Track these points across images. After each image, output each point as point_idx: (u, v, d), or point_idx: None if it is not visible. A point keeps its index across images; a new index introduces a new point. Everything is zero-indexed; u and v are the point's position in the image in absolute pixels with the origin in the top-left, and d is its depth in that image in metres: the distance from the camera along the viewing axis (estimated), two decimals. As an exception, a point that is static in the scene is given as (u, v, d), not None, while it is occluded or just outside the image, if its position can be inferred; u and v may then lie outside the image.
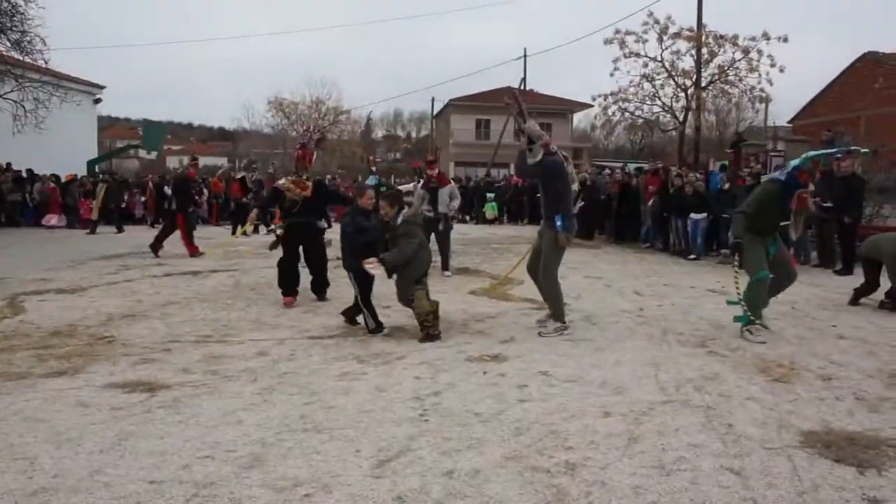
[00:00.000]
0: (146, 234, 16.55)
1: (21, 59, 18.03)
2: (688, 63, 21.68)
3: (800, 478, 3.02)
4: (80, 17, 76.72)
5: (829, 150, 5.97)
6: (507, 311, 6.94)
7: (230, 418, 3.74)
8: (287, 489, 2.89)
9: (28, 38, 17.59)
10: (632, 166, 21.36)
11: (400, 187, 24.17)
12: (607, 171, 19.74)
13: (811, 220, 9.07)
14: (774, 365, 4.86)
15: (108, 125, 53.60)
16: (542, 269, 5.99)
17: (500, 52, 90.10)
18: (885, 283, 7.19)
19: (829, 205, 9.59)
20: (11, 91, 18.14)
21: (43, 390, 4.18)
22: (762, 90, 21.25)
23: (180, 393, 4.16)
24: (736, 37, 20.95)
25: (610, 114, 23.83)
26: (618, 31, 21.95)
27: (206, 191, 20.41)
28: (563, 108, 44.09)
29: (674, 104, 22.67)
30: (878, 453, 3.29)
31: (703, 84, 21.43)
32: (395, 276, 5.84)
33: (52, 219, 18.72)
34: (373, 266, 5.63)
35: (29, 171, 19.84)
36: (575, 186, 16.77)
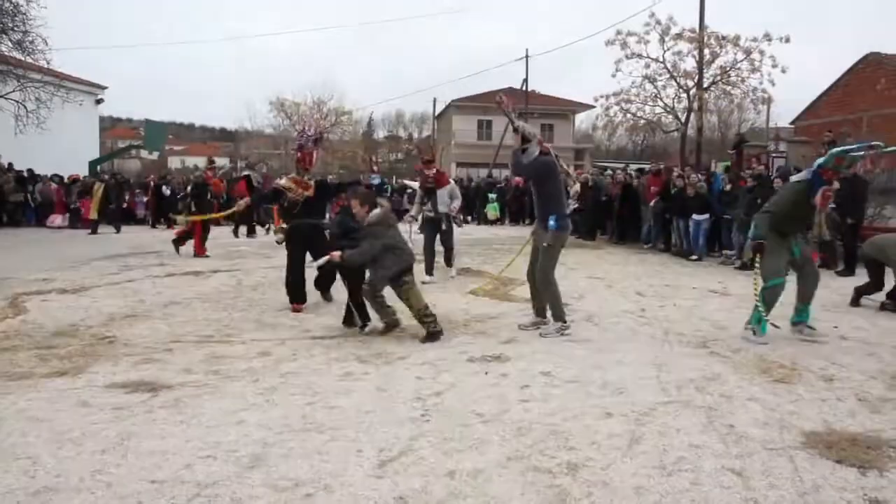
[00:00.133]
0: (147, 235, 16.64)
1: (23, 59, 18.08)
2: (690, 64, 21.72)
3: (801, 478, 3.02)
4: (82, 17, 76.94)
5: (852, 147, 5.81)
6: (509, 311, 6.94)
7: (232, 418, 3.74)
8: (289, 489, 2.89)
9: (30, 39, 17.68)
10: (633, 167, 21.38)
11: (406, 182, 24.17)
12: (609, 171, 19.76)
13: (834, 222, 8.84)
14: (776, 366, 4.86)
15: (109, 125, 53.69)
16: (539, 271, 5.96)
17: (502, 53, 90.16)
18: (887, 283, 7.20)
19: (832, 206, 9.57)
20: (13, 91, 18.19)
21: (45, 390, 4.19)
22: (764, 91, 21.29)
23: (182, 393, 4.17)
24: (738, 37, 20.97)
25: (612, 115, 23.86)
26: (619, 32, 22.00)
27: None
28: (565, 109, 44.14)
29: (676, 105, 22.69)
30: (880, 454, 3.29)
31: (704, 85, 21.42)
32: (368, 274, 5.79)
33: (57, 219, 18.75)
34: (332, 258, 5.61)
35: (30, 171, 19.87)
36: (577, 187, 16.84)
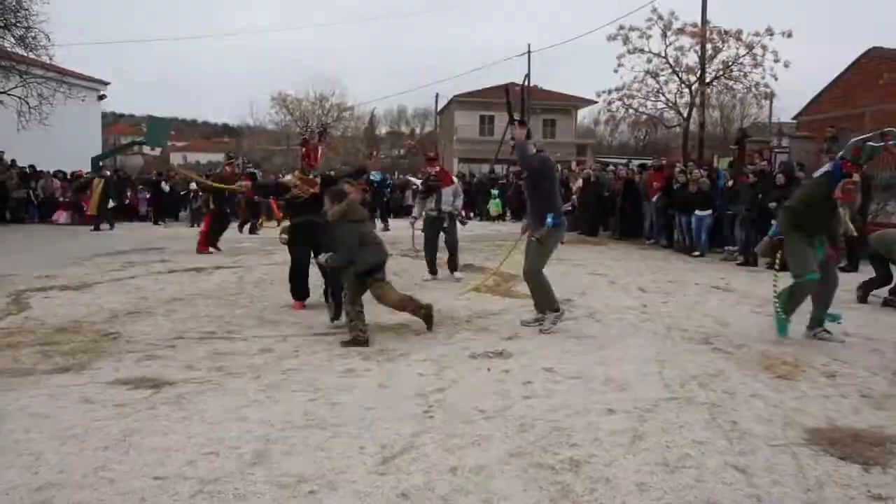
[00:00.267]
0: (149, 232, 16.65)
1: (25, 54, 18.05)
2: (692, 59, 21.59)
3: (805, 475, 3.02)
4: (85, 13, 76.87)
5: (868, 136, 5.55)
6: (511, 307, 6.93)
7: (234, 415, 3.74)
8: (291, 486, 2.89)
9: (32, 34, 17.64)
10: (636, 163, 21.32)
11: (409, 178, 24.08)
12: (611, 167, 19.70)
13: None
14: (779, 362, 4.85)
15: (112, 121, 53.65)
16: (529, 263, 5.91)
17: (505, 49, 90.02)
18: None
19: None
20: (16, 87, 18.17)
21: (48, 387, 4.19)
22: (766, 86, 21.17)
23: (184, 389, 4.17)
24: (740, 32, 20.85)
25: (614, 110, 23.76)
26: (622, 27, 21.89)
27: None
28: (567, 105, 43.99)
29: (678, 100, 22.58)
30: (883, 450, 3.28)
31: (707, 80, 21.34)
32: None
33: (62, 215, 18.77)
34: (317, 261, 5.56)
35: (31, 167, 19.88)
36: (579, 183, 16.82)
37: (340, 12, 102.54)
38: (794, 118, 25.01)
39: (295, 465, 3.09)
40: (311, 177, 6.90)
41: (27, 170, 19.71)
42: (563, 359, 4.95)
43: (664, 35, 21.53)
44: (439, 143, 41.32)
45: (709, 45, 21.06)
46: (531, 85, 36.13)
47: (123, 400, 3.96)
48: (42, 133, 18.41)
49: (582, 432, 3.52)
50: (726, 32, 20.96)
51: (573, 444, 3.37)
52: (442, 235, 8.77)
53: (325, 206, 5.68)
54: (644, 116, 24.15)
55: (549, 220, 5.74)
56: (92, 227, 16.35)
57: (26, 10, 17.54)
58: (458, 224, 8.98)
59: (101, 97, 28.86)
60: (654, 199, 13.67)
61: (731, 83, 21.86)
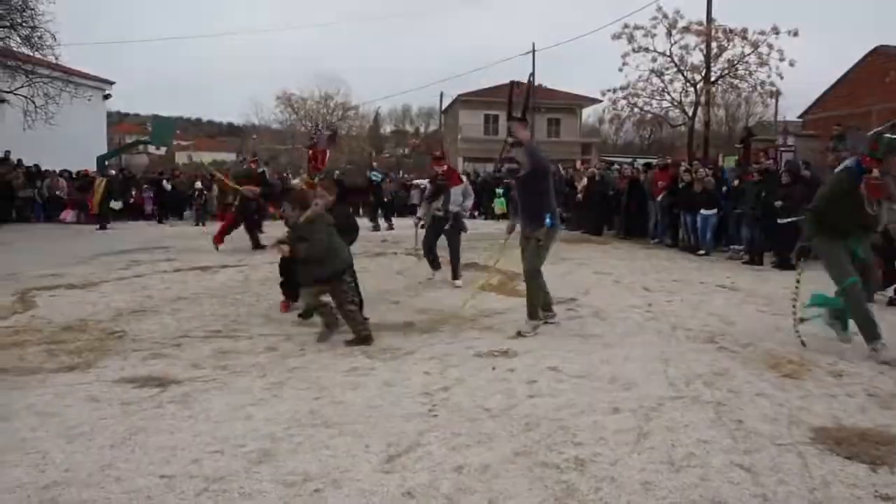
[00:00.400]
0: (154, 230, 16.69)
1: (31, 54, 18.13)
2: (697, 58, 21.54)
3: (811, 474, 3.01)
4: (90, 12, 77.01)
5: (881, 129, 5.37)
6: (516, 306, 6.91)
7: (240, 413, 3.75)
8: (297, 484, 2.90)
9: (38, 34, 17.70)
10: (641, 162, 21.27)
11: (416, 181, 24.04)
12: (616, 166, 19.67)
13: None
14: (785, 361, 4.84)
15: (117, 121, 53.82)
16: (528, 263, 5.89)
17: (509, 48, 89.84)
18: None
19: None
20: (22, 87, 18.25)
21: (54, 385, 4.21)
22: (772, 84, 21.10)
23: (190, 388, 4.18)
24: (745, 31, 20.80)
25: (619, 109, 23.73)
26: (626, 26, 21.85)
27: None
28: (572, 104, 43.89)
29: (683, 99, 22.52)
30: (890, 450, 3.27)
31: (712, 79, 21.29)
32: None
33: (69, 214, 18.85)
34: (283, 252, 5.48)
35: (37, 166, 19.95)
36: (584, 182, 16.79)
37: (345, 11, 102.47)
38: (800, 117, 24.93)
39: (300, 464, 3.10)
40: (316, 180, 6.81)
41: (33, 169, 19.79)
42: (567, 358, 4.95)
43: (669, 34, 21.50)
44: (444, 141, 41.27)
45: (714, 44, 21.01)
46: (536, 84, 36.10)
47: (129, 398, 3.98)
48: (48, 132, 18.48)
49: (587, 431, 3.52)
50: (731, 31, 20.92)
51: (578, 442, 3.37)
52: (443, 237, 8.67)
53: (286, 212, 5.56)
54: (649, 115, 24.13)
55: (547, 220, 5.73)
56: (98, 227, 16.42)
57: (32, 9, 17.63)
58: (462, 230, 8.76)
59: (107, 97, 28.95)
60: (659, 198, 13.64)
61: (736, 82, 21.80)
